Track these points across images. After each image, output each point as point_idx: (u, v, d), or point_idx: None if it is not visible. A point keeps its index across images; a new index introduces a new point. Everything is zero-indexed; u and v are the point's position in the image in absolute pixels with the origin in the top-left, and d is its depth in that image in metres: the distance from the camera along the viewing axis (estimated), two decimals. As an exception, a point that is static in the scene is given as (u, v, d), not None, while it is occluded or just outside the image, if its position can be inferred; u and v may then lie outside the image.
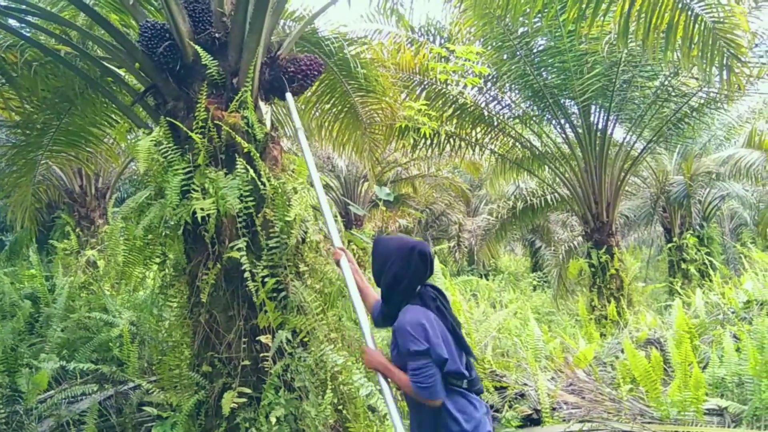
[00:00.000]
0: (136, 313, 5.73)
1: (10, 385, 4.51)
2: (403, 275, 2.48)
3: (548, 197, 13.25)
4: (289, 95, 3.93)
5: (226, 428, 3.40)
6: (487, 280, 15.63)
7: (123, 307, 5.96)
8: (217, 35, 3.72)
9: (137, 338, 5.38)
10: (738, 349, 4.47)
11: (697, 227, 14.92)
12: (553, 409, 4.40)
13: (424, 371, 2.34)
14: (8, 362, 4.70)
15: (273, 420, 3.26)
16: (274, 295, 3.49)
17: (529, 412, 4.45)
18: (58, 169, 9.73)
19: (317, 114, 6.93)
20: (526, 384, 4.81)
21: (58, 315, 5.47)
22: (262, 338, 3.39)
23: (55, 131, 5.64)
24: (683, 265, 13.82)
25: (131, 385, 4.78)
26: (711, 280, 9.90)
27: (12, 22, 4.62)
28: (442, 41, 8.67)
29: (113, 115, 5.76)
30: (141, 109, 4.38)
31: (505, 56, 8.69)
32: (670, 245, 14.43)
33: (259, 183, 3.50)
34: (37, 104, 5.35)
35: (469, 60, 5.74)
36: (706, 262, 13.21)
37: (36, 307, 5.81)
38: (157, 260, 3.74)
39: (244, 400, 3.37)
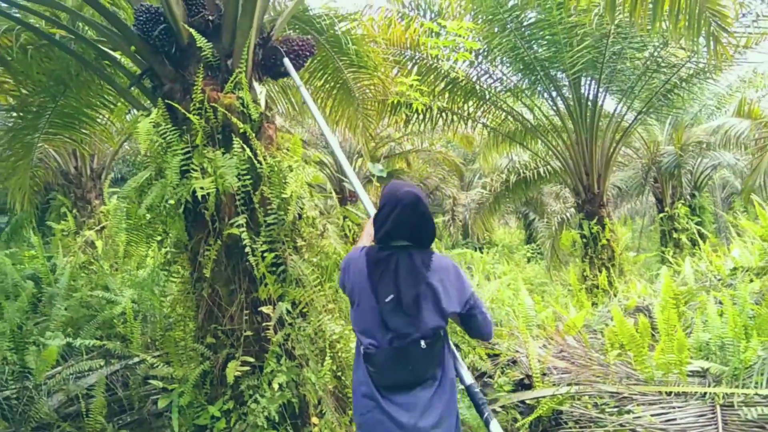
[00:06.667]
0: (137, 291, 5.85)
1: (18, 362, 4.65)
2: (377, 217, 2.62)
3: (541, 170, 13.36)
4: (286, 60, 4.03)
5: (231, 396, 3.56)
6: (482, 253, 15.78)
7: (124, 286, 6.08)
8: (210, 17, 3.78)
9: (139, 315, 5.51)
10: (721, 314, 4.63)
11: (689, 197, 15.07)
12: (544, 374, 4.56)
13: None
14: (15, 340, 4.82)
15: (275, 387, 3.42)
16: (274, 269, 3.62)
17: (521, 377, 4.61)
18: (53, 151, 9.75)
19: (310, 91, 6.97)
20: (518, 351, 4.97)
21: (61, 294, 5.58)
22: (264, 309, 3.53)
23: (50, 114, 5.65)
24: (675, 235, 13.99)
25: (136, 359, 4.93)
26: (701, 249, 10.07)
27: (2, 4, 4.64)
28: (433, 15, 8.67)
29: (108, 97, 5.80)
30: (136, 90, 4.44)
31: (495, 29, 8.71)
32: (661, 215, 14.59)
33: (255, 162, 3.61)
34: (33, 87, 5.36)
35: (461, 36, 5.79)
36: (697, 231, 13.38)
37: (38, 287, 5.91)
38: (159, 238, 3.85)
39: (247, 368, 3.53)
